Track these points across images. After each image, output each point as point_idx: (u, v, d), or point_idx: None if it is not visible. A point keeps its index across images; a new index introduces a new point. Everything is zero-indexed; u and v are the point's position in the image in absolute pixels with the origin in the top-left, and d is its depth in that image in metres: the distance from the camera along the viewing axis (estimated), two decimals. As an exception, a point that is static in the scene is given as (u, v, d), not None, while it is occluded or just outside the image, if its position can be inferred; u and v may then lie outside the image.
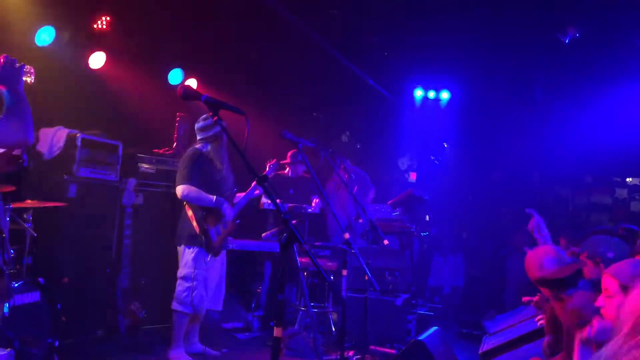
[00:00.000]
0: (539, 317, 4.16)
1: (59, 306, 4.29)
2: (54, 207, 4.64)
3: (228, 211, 4.84)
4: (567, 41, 6.36)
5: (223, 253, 5.07)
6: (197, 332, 5.14)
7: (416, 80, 9.38)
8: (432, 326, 5.08)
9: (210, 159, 4.91)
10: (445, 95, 9.48)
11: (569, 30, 6.26)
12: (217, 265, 5.00)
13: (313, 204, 6.45)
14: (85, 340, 5.00)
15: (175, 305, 4.82)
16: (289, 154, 6.73)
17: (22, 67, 2.49)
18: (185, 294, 4.77)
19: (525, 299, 4.33)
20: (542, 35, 6.71)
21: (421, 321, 6.06)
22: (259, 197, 6.20)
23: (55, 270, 4.80)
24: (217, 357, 5.08)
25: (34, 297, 4.15)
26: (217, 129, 4.81)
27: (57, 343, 4.24)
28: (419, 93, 9.59)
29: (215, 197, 4.80)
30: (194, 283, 4.75)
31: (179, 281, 4.85)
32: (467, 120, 9.35)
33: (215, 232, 4.84)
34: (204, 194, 4.79)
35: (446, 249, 8.39)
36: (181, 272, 4.84)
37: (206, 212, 4.83)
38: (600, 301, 2.41)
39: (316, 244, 6.33)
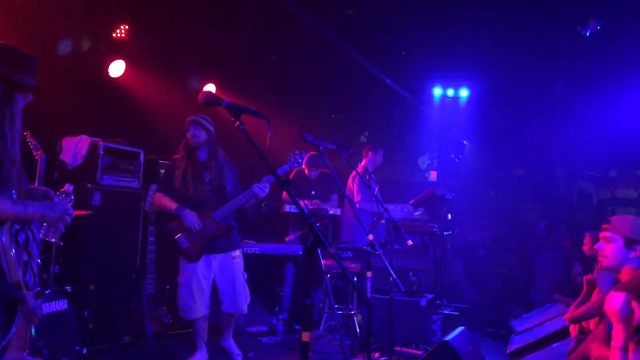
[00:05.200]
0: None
1: (86, 313, 4.34)
2: (79, 215, 4.68)
3: (189, 220, 4.65)
4: (587, 34, 6.26)
5: (229, 256, 4.90)
6: (230, 332, 5.06)
7: (434, 78, 9.33)
8: (458, 326, 5.03)
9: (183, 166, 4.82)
10: (464, 92, 9.42)
11: (590, 23, 6.16)
12: (224, 270, 4.86)
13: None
14: (112, 347, 5.03)
15: None
16: (305, 159, 6.71)
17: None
18: (177, 298, 4.79)
19: (557, 296, 4.28)
20: (563, 28, 6.62)
21: (446, 321, 6.01)
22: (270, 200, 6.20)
23: (81, 278, 4.84)
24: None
25: (61, 305, 4.20)
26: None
27: (85, 350, 4.29)
28: (437, 91, 9.53)
29: (176, 205, 4.67)
30: (178, 288, 4.75)
31: None
32: (487, 117, 9.28)
33: (188, 239, 4.69)
34: (166, 202, 4.71)
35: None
36: None
37: (176, 220, 4.72)
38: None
39: (339, 245, 6.31)
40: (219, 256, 4.83)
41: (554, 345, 4.20)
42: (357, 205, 6.59)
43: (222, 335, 5.09)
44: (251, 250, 6.02)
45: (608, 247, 3.15)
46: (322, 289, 6.20)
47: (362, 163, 6.90)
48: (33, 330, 3.77)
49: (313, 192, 6.69)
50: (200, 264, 4.74)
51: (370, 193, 6.62)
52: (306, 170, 6.76)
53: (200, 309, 4.75)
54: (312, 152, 6.68)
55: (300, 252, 6.24)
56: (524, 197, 9.12)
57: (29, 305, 2.36)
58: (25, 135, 3.94)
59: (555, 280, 6.44)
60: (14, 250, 2.27)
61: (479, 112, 9.30)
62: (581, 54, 7.28)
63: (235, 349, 5.09)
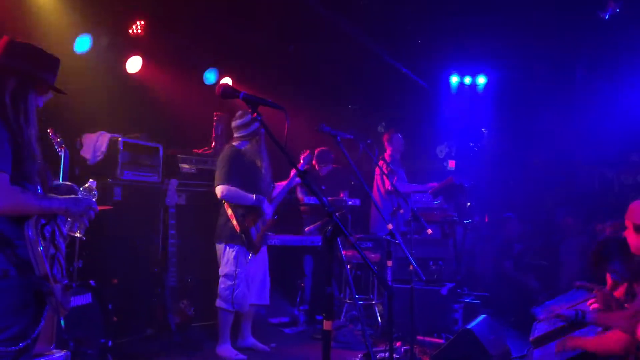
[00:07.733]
0: (591, 300, 4.06)
1: (110, 307, 4.39)
2: (100, 210, 4.73)
3: (268, 209, 4.85)
4: (607, 17, 6.16)
5: (264, 249, 5.10)
6: (249, 327, 5.21)
7: (451, 66, 9.26)
8: (480, 314, 5.02)
9: (248, 157, 4.95)
10: (481, 80, 9.34)
11: (609, 5, 6.05)
12: (259, 261, 5.03)
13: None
14: (136, 339, 5.09)
15: (218, 303, 4.91)
16: (315, 153, 6.70)
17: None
18: (227, 291, 4.87)
19: (578, 283, 4.23)
20: (581, 12, 6.51)
21: (468, 310, 5.99)
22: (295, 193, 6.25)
23: (104, 272, 4.90)
24: (266, 352, 5.13)
25: (86, 299, 4.26)
26: (256, 125, 4.85)
27: (110, 342, 4.35)
28: (454, 79, 9.46)
29: (254, 195, 4.84)
30: (236, 282, 4.83)
31: (221, 279, 4.93)
32: (505, 104, 9.17)
33: (256, 230, 4.87)
34: (243, 194, 4.86)
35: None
36: (223, 269, 4.92)
37: (245, 211, 4.87)
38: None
39: (359, 235, 6.31)
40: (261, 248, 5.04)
41: (577, 332, 4.15)
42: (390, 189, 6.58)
43: (241, 333, 5.15)
44: (271, 241, 6.05)
45: (627, 235, 3.11)
46: (339, 279, 6.21)
47: (387, 153, 6.87)
48: (62, 322, 3.84)
49: (323, 187, 6.70)
50: (258, 255, 4.94)
51: (399, 180, 6.59)
52: (316, 166, 6.76)
53: (250, 298, 4.96)
54: (322, 148, 6.68)
55: (320, 243, 6.26)
56: (544, 185, 9.01)
57: (57, 297, 2.39)
58: (49, 132, 3.99)
59: (578, 268, 6.37)
60: (41, 244, 2.30)
61: (498, 100, 9.21)
62: (600, 38, 7.16)
63: (260, 345, 5.15)
